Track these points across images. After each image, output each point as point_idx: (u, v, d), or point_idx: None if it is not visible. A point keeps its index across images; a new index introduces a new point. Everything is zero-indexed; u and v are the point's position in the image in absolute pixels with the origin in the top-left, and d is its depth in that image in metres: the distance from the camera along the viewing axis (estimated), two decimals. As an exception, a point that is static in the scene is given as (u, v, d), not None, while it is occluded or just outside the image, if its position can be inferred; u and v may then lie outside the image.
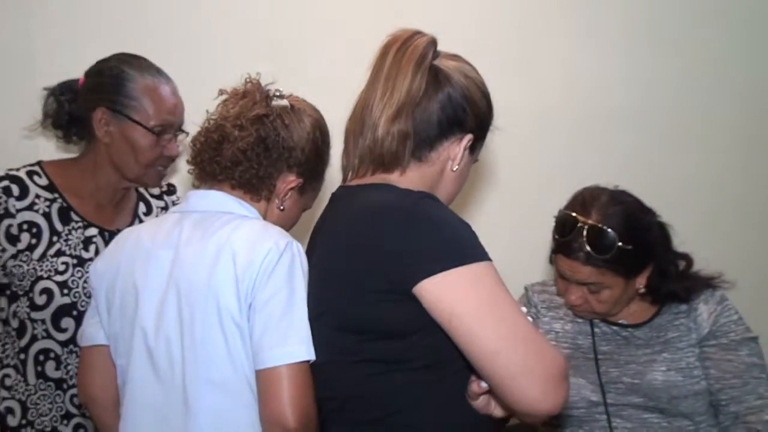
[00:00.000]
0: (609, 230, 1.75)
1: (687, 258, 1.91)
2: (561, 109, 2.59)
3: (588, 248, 1.74)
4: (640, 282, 1.86)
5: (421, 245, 1.30)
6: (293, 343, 1.38)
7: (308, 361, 1.38)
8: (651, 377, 1.83)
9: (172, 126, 1.81)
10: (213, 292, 1.40)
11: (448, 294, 1.28)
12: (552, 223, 1.83)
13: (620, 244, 1.74)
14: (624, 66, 2.68)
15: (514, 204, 2.44)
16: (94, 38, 2.10)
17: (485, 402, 1.35)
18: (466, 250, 1.30)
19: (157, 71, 1.80)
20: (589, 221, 1.75)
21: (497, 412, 1.35)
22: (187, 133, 1.77)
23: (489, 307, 1.28)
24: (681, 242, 1.90)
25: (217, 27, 2.25)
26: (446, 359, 1.34)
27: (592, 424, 1.88)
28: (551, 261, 1.87)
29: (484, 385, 1.31)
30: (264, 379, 1.38)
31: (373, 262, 1.32)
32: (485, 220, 2.44)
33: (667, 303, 1.92)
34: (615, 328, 1.92)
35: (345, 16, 2.31)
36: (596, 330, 1.92)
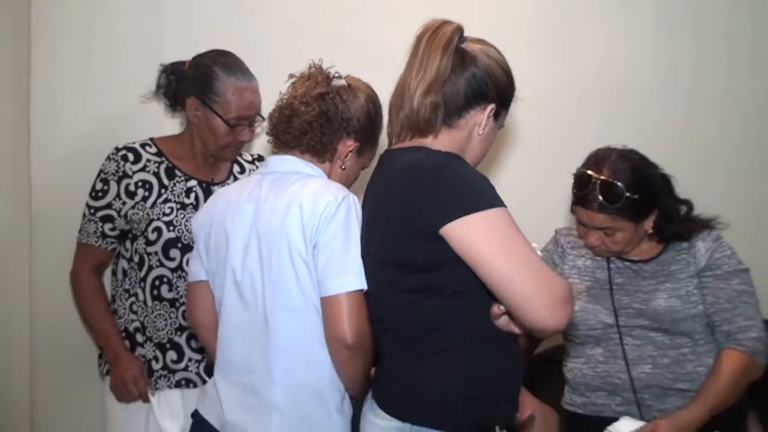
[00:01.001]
0: (618, 183, 2.01)
1: (688, 203, 2.16)
2: (598, 83, 2.86)
3: (601, 199, 2.02)
4: (648, 225, 2.11)
5: (445, 195, 1.55)
6: (349, 275, 1.69)
7: (362, 290, 1.69)
8: (655, 303, 2.09)
9: (246, 119, 2.21)
10: (285, 235, 1.72)
11: (468, 234, 1.52)
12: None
13: (628, 194, 2.00)
14: (652, 47, 2.93)
15: (551, 165, 2.73)
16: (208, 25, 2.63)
17: (506, 321, 1.62)
18: (482, 198, 1.55)
19: (241, 70, 2.20)
20: (602, 177, 2.02)
21: (516, 329, 1.62)
22: (264, 119, 2.14)
23: (502, 244, 1.53)
24: (683, 190, 2.17)
25: (296, 25, 2.70)
26: (471, 288, 1.58)
27: (608, 342, 2.14)
28: (572, 211, 2.14)
29: (502, 307, 1.58)
30: (327, 304, 1.69)
31: (409, 209, 1.59)
32: (529, 178, 2.82)
33: (672, 242, 2.15)
34: (627, 263, 2.17)
35: (395, 13, 2.68)
36: (612, 265, 2.18)
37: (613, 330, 2.14)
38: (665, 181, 2.16)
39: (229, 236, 1.81)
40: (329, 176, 1.87)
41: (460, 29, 1.70)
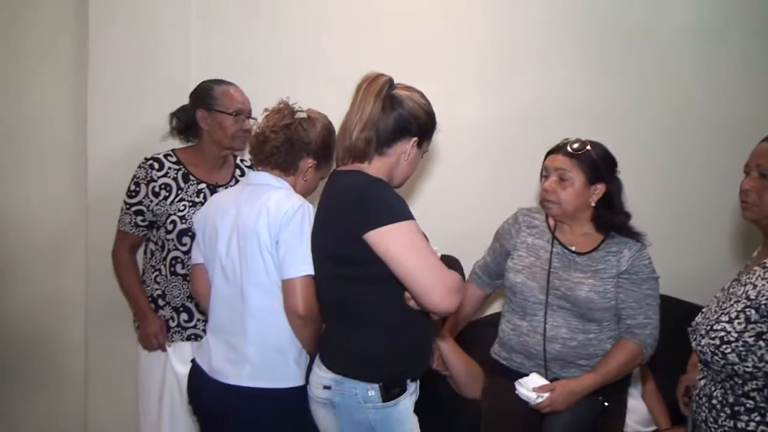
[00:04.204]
0: (586, 141, 2.42)
1: (627, 214, 2.47)
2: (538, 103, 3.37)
3: (568, 147, 2.41)
4: (594, 195, 2.41)
5: (368, 210, 1.94)
6: (302, 263, 2.13)
7: (311, 275, 2.13)
8: (578, 293, 2.38)
9: (244, 111, 2.70)
10: (256, 232, 2.17)
11: (383, 240, 1.92)
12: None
13: (590, 149, 2.40)
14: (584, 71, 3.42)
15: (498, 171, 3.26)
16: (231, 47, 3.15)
17: (414, 304, 2.01)
18: (394, 214, 1.93)
19: (226, 82, 2.72)
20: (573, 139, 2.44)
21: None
22: (255, 119, 2.61)
23: (407, 248, 1.92)
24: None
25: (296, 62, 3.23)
26: (388, 278, 1.96)
27: (533, 317, 2.45)
28: (541, 174, 2.49)
29: (408, 294, 2.00)
30: (285, 285, 2.15)
31: (343, 219, 1.99)
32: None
33: (606, 240, 2.42)
34: (566, 251, 2.45)
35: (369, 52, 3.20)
36: (554, 249, 2.47)
37: (542, 306, 2.44)
38: (618, 183, 2.46)
39: (218, 231, 2.28)
40: (294, 186, 2.30)
41: (390, 80, 2.07)
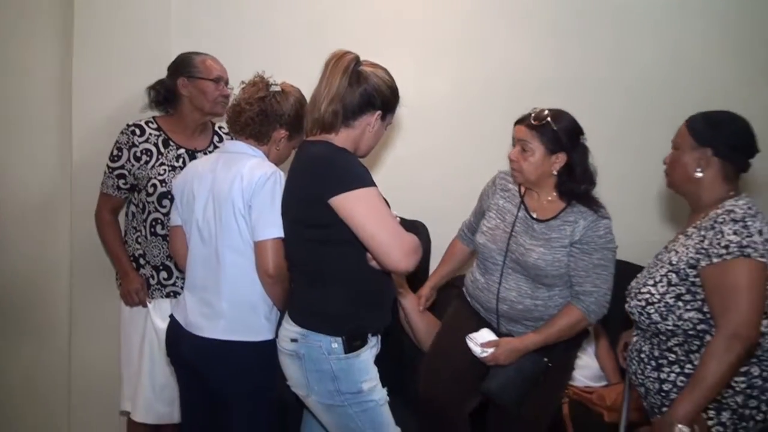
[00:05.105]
0: (547, 112, 2.50)
1: (591, 180, 2.54)
2: (503, 78, 3.48)
3: (531, 119, 2.51)
4: (555, 164, 2.51)
5: (333, 177, 2.07)
6: (272, 227, 2.26)
7: (281, 238, 2.26)
8: (528, 258, 2.52)
9: (222, 78, 2.83)
10: (230, 197, 2.29)
11: (346, 205, 2.05)
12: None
13: (550, 121, 2.48)
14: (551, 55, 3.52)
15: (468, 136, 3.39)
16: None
17: (376, 263, 2.14)
18: (357, 180, 2.06)
19: (204, 54, 2.84)
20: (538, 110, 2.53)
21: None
22: (233, 88, 2.74)
23: (368, 212, 2.05)
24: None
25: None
26: (351, 240, 2.09)
27: (491, 276, 2.62)
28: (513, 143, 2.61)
29: (369, 255, 2.15)
30: (257, 246, 2.29)
31: (310, 185, 2.12)
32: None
33: (567, 209, 2.51)
34: (529, 217, 2.57)
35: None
36: (520, 214, 2.59)
37: (498, 268, 2.60)
38: (584, 149, 2.54)
39: (195, 196, 2.41)
40: (268, 155, 2.43)
41: (357, 58, 2.19)
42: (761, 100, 3.57)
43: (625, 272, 2.57)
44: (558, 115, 2.53)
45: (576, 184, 2.53)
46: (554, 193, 2.58)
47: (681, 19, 3.63)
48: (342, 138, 2.21)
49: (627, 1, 3.60)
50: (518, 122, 2.58)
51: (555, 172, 2.54)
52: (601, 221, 2.50)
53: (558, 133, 2.49)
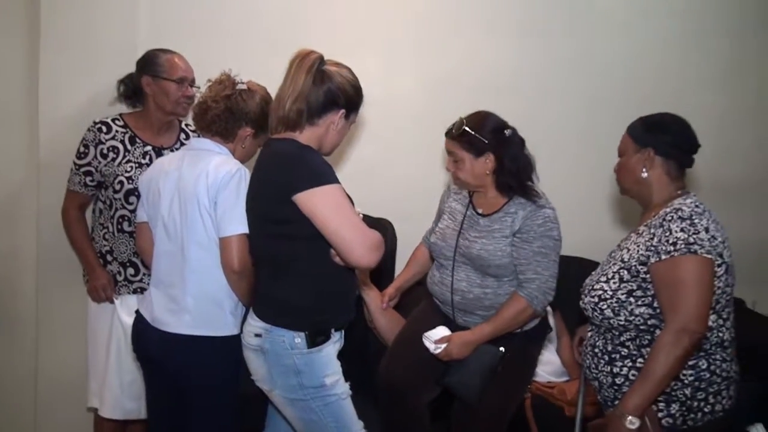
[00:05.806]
0: (464, 120, 2.59)
1: (529, 162, 2.63)
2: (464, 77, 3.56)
3: (452, 130, 2.61)
4: (486, 165, 2.60)
5: (297, 174, 2.09)
6: (237, 223, 2.29)
7: (245, 234, 2.29)
8: (471, 250, 2.62)
9: (187, 79, 2.84)
10: (196, 194, 2.32)
11: (310, 201, 2.07)
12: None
13: (468, 129, 2.57)
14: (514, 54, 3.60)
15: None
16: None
17: (339, 260, 2.17)
18: (321, 178, 2.09)
19: (172, 52, 2.85)
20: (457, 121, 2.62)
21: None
22: (199, 87, 2.76)
23: (332, 209, 2.09)
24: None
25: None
26: (315, 236, 2.11)
27: (444, 271, 2.73)
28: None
29: (333, 251, 2.18)
30: (222, 242, 2.32)
31: (274, 182, 2.14)
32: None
33: (509, 202, 2.59)
34: (474, 213, 2.68)
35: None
36: (468, 213, 2.70)
37: (449, 263, 2.70)
38: (512, 142, 2.61)
39: (161, 192, 2.43)
40: (233, 153, 2.46)
41: (321, 57, 2.21)
42: (723, 99, 3.67)
43: (586, 269, 2.60)
44: (474, 118, 2.62)
45: (510, 177, 2.62)
46: (495, 190, 2.67)
47: (644, 20, 3.71)
48: (306, 136, 2.23)
49: (590, 2, 3.67)
50: (446, 135, 2.67)
51: (488, 173, 2.63)
52: (540, 211, 2.58)
53: (478, 137, 2.58)
